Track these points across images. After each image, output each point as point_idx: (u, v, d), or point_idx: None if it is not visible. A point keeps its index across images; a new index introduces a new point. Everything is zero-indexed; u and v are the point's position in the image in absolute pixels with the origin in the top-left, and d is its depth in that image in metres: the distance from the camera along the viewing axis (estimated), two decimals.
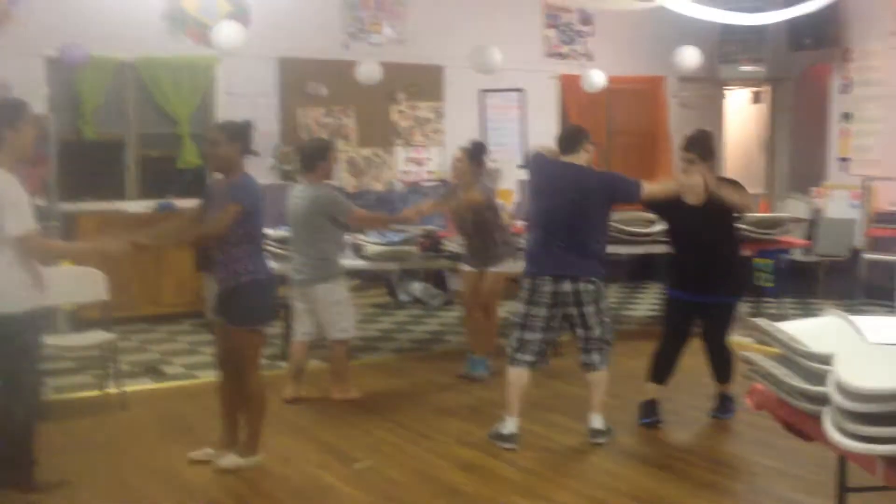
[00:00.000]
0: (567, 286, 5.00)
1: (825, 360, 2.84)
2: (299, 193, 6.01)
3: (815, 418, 2.95)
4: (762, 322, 3.16)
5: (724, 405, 5.68)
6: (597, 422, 5.26)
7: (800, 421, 3.12)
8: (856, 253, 9.73)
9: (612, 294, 10.42)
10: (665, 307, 5.76)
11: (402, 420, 5.68)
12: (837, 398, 2.68)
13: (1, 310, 4.20)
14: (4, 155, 4.27)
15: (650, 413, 5.53)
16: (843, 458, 3.29)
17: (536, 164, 5.31)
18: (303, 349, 6.15)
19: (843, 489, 3.35)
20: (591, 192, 5.05)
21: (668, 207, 5.50)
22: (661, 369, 5.61)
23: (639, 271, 11.20)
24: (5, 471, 4.41)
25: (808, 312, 9.10)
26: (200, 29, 9.14)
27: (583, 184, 5.05)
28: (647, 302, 9.99)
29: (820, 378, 2.88)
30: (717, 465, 4.93)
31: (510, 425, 5.14)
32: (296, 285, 6.08)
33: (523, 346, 5.10)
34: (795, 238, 9.11)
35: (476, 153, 6.58)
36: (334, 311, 6.03)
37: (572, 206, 5.00)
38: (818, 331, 3.13)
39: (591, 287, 5.04)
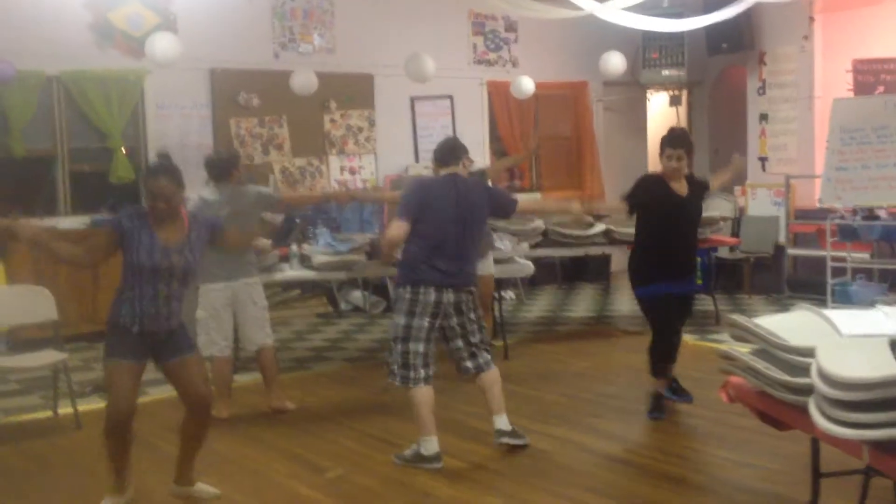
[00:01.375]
0: (450, 296, 4.96)
1: (807, 352, 3.01)
2: (234, 194, 5.90)
3: (795, 408, 3.13)
4: (741, 318, 3.33)
5: (681, 388, 6.01)
6: (502, 422, 5.18)
7: (778, 411, 3.30)
8: (780, 249, 10.13)
9: (548, 297, 10.62)
10: (651, 303, 5.73)
11: (364, 428, 5.72)
12: (823, 388, 2.85)
13: None
14: None
15: (660, 408, 5.78)
16: (817, 445, 3.49)
17: (418, 181, 5.40)
18: (230, 364, 6.15)
19: (817, 475, 3.54)
20: (478, 203, 5.09)
21: (658, 199, 5.61)
22: (666, 363, 5.81)
23: (573, 273, 11.45)
24: None
25: (738, 307, 9.45)
26: (128, 41, 9.03)
27: (472, 196, 5.07)
28: (584, 303, 10.20)
29: (802, 370, 3.05)
30: (679, 458, 5.09)
31: (433, 444, 4.93)
32: (221, 290, 5.90)
33: (415, 361, 4.91)
34: (725, 236, 9.44)
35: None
36: (262, 315, 6.06)
37: (462, 218, 4.98)
38: (792, 325, 3.31)
39: (470, 296, 5.08)
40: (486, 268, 6.97)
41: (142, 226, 4.22)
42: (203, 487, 4.63)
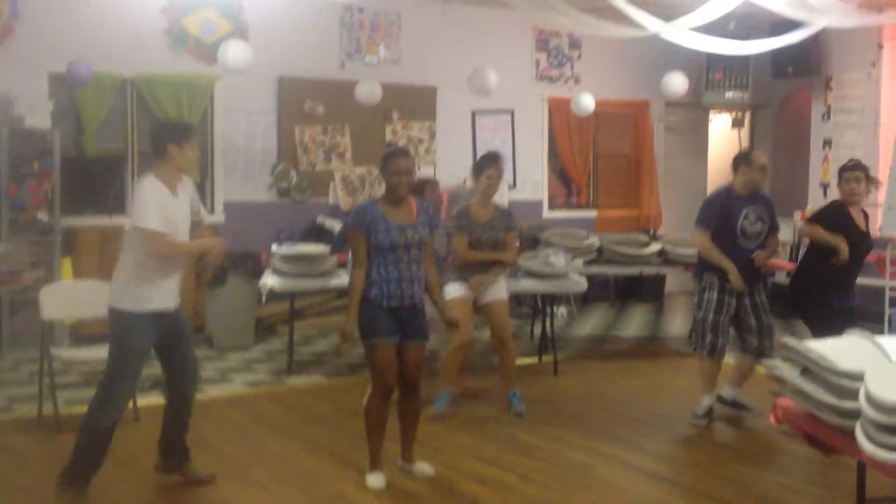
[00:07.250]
0: None
1: (856, 376, 3.03)
2: None
3: (842, 432, 3.15)
4: (791, 341, 3.35)
5: None
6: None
7: (825, 435, 3.31)
8: None
9: (600, 314, 10.63)
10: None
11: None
12: (870, 412, 2.86)
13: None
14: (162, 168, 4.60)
15: None
16: (863, 471, 3.49)
17: None
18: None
19: (862, 501, 3.53)
20: None
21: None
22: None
23: (626, 292, 11.43)
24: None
25: (794, 333, 9.34)
26: (201, 48, 9.28)
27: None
28: (636, 322, 10.18)
29: (849, 394, 3.06)
30: (726, 481, 5.06)
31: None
32: None
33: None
34: (783, 261, 9.36)
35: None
36: None
37: None
38: (843, 350, 3.32)
39: None
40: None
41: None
42: (422, 467, 5.12)
